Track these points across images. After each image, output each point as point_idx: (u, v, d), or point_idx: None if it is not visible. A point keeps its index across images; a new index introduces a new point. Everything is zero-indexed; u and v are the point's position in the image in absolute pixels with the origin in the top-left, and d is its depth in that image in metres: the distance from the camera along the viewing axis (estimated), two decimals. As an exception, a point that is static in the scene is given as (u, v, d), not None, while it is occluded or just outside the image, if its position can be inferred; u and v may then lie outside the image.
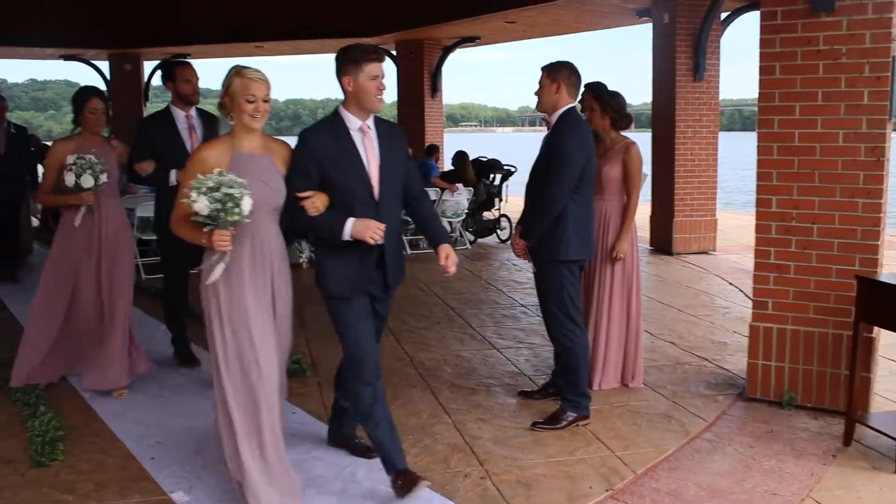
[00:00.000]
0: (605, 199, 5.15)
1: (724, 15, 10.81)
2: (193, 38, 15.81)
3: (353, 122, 3.71)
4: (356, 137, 3.71)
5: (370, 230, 3.61)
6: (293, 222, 3.72)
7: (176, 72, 5.65)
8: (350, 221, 3.62)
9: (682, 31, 10.46)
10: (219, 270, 3.46)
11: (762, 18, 4.96)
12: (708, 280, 9.15)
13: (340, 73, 3.74)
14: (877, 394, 5.01)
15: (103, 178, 5.02)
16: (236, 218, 3.32)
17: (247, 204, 3.33)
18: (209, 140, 3.89)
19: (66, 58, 17.32)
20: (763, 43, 4.96)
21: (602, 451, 4.37)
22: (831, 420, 4.78)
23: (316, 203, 3.63)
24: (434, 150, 13.23)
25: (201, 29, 15.52)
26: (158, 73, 17.69)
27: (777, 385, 5.07)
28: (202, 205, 3.28)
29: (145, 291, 8.54)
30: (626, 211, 5.19)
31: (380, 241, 3.66)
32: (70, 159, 4.92)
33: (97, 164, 4.97)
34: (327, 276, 3.79)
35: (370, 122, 3.76)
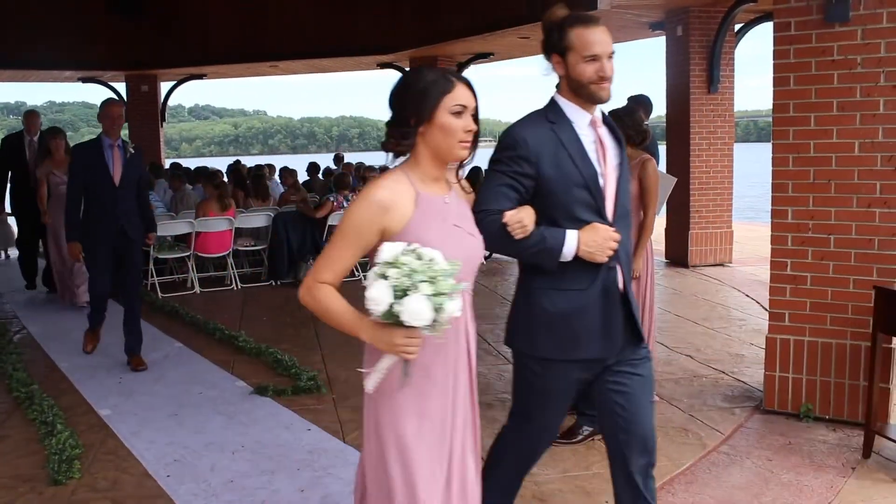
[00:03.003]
0: (620, 214, 5.12)
1: (737, 27, 10.80)
2: (209, 58, 15.95)
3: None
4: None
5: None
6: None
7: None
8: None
9: (695, 44, 10.45)
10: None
11: (776, 29, 4.96)
12: (724, 292, 9.10)
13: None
14: (897, 405, 4.97)
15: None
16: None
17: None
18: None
19: (84, 80, 17.52)
20: (777, 54, 4.96)
21: (619, 466, 4.34)
22: (850, 432, 4.74)
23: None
24: None
25: (217, 49, 15.66)
26: (175, 93, 17.95)
27: (795, 397, 5.03)
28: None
29: (160, 310, 8.59)
30: (642, 228, 5.14)
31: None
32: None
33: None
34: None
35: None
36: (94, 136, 6.36)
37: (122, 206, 6.15)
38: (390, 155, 2.52)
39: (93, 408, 5.47)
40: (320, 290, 2.44)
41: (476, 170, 12.12)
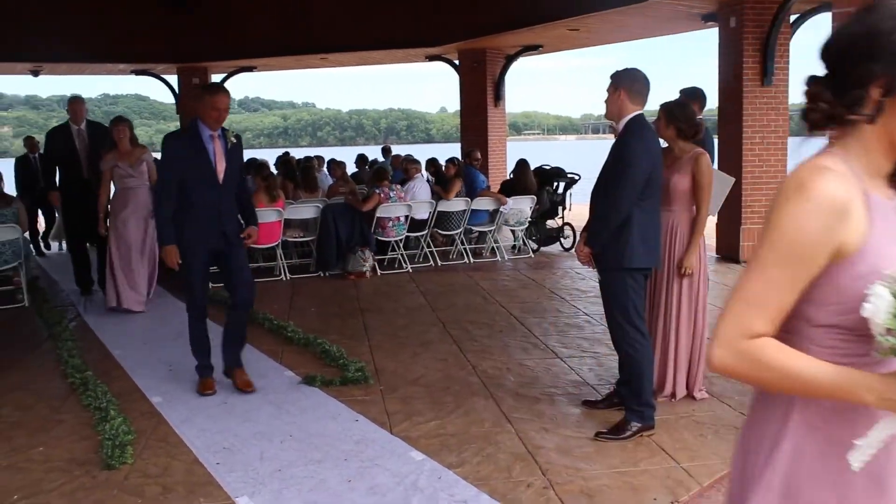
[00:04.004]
0: (672, 210, 5.05)
1: (793, 17, 10.57)
2: (259, 50, 16.12)
3: None
4: None
5: None
6: None
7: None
8: None
9: (749, 35, 10.26)
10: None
11: (835, 20, 4.85)
12: (777, 289, 8.92)
13: None
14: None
15: None
16: None
17: None
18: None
19: (137, 72, 17.83)
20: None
21: (667, 462, 4.29)
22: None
23: None
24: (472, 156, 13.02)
25: (267, 42, 15.81)
26: (225, 85, 18.11)
27: (850, 397, 4.92)
28: None
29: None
30: (695, 224, 5.06)
31: None
32: None
33: None
34: None
35: None
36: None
37: (225, 204, 5.40)
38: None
39: (145, 395, 5.57)
40: (758, 347, 1.55)
41: (523, 163, 12.09)
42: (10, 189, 10.80)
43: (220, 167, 5.29)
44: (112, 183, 8.18)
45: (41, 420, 5.13)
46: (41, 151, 11.25)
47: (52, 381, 5.94)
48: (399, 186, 10.69)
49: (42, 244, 13.04)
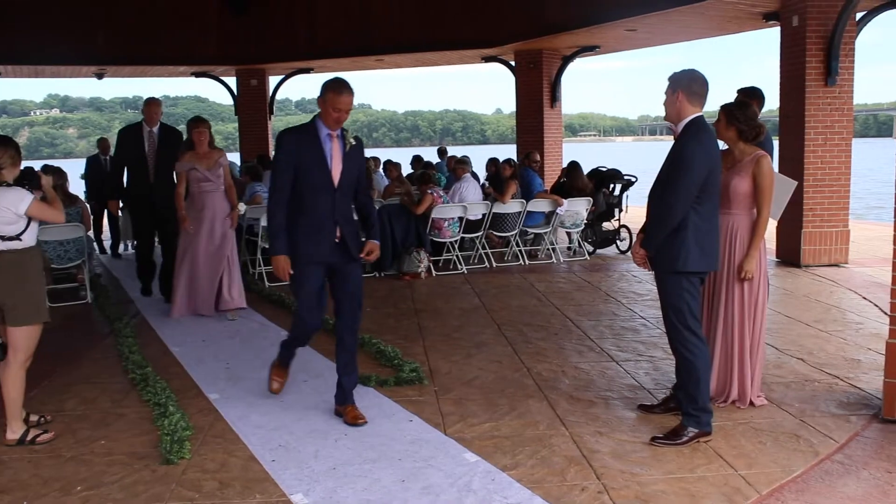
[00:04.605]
0: (731, 213, 4.96)
1: (858, 15, 10.31)
2: (317, 52, 16.29)
3: None
4: None
5: None
6: None
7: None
8: None
9: (812, 34, 10.04)
10: None
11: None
12: (839, 294, 8.73)
13: None
14: None
15: None
16: None
17: None
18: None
19: (197, 74, 18.18)
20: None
21: (725, 469, 4.22)
22: (977, 445, 4.47)
23: None
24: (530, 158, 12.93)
25: (323, 44, 15.98)
26: (283, 87, 18.39)
27: (917, 406, 4.78)
28: None
29: (267, 299, 8.81)
30: (756, 227, 4.96)
31: None
32: None
33: None
34: None
35: None
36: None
37: (341, 212, 4.85)
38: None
39: (202, 391, 5.67)
40: None
41: (575, 165, 12.00)
42: (76, 189, 11.05)
43: (337, 170, 4.78)
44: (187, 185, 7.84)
45: (103, 414, 5.25)
46: (112, 154, 11.24)
47: (114, 375, 6.08)
48: (437, 188, 10.72)
49: (111, 249, 12.86)
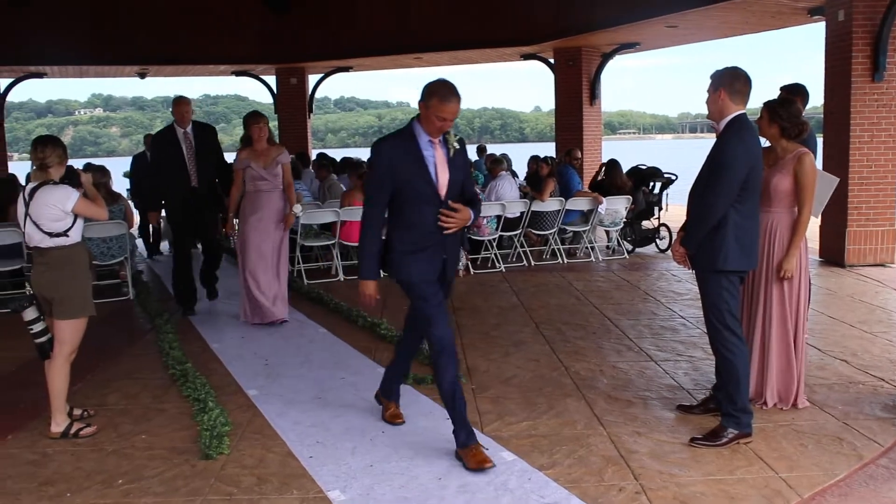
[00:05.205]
0: (772, 211, 4.89)
1: (907, 10, 10.10)
2: (356, 51, 16.37)
3: None
4: None
5: None
6: None
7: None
8: None
9: (859, 29, 9.85)
10: None
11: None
12: (885, 294, 8.56)
13: None
14: None
15: None
16: None
17: None
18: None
19: (237, 73, 18.36)
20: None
21: (765, 472, 4.16)
22: None
23: None
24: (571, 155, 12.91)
25: (362, 42, 16.05)
26: (322, 85, 18.49)
27: (965, 409, 4.67)
28: None
29: (307, 296, 8.86)
30: (796, 226, 4.88)
31: None
32: None
33: None
34: None
35: None
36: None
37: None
38: None
39: (241, 388, 5.72)
40: None
41: (613, 163, 11.90)
42: (119, 186, 11.20)
43: (443, 179, 4.30)
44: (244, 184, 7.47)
45: (144, 409, 5.32)
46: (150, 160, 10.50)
47: (155, 371, 6.16)
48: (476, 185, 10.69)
49: (152, 251, 12.61)
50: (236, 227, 7.75)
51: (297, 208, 7.77)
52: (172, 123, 7.92)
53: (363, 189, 9.87)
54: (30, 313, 4.67)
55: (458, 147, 4.39)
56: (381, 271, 4.41)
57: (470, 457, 4.23)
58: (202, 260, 8.61)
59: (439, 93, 4.16)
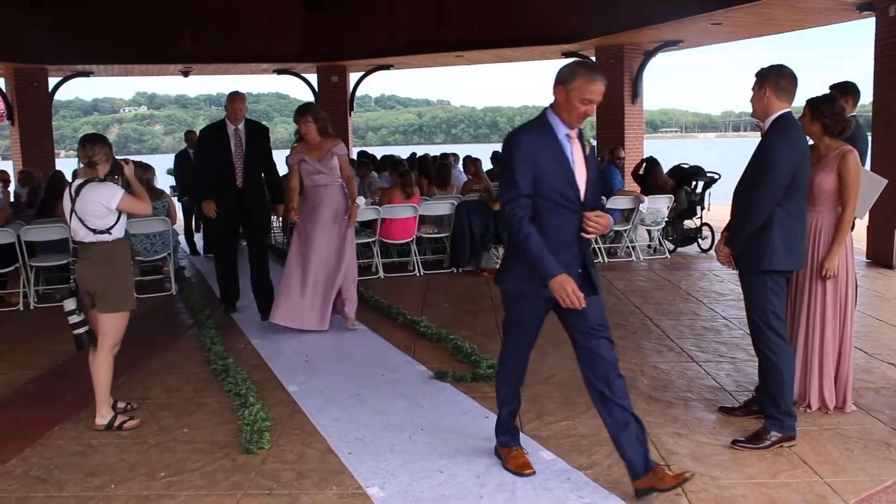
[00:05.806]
0: (816, 210, 4.80)
1: (961, 5, 9.86)
2: (397, 49, 16.42)
3: None
4: None
5: None
6: None
7: None
8: None
9: (909, 25, 9.65)
10: None
11: None
12: (934, 297, 8.38)
13: None
14: None
15: None
16: None
17: None
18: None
19: (279, 72, 18.53)
20: None
21: (809, 476, 4.09)
22: None
23: None
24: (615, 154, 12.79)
25: (403, 40, 16.09)
26: (363, 83, 18.58)
27: None
28: None
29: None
30: (839, 225, 4.80)
31: None
32: None
33: None
34: None
35: None
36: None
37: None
38: None
39: (281, 384, 5.76)
40: None
41: (653, 161, 11.78)
42: (163, 184, 11.35)
43: (582, 179, 3.76)
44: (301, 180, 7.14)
45: (186, 403, 5.39)
46: (194, 155, 10.59)
47: (197, 366, 6.23)
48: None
49: (194, 246, 12.65)
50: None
51: (361, 200, 7.54)
52: (224, 118, 7.68)
53: (403, 187, 9.99)
54: (69, 304, 4.79)
55: (592, 144, 3.82)
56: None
57: (510, 458, 4.18)
58: (250, 265, 7.85)
59: (582, 72, 3.64)
